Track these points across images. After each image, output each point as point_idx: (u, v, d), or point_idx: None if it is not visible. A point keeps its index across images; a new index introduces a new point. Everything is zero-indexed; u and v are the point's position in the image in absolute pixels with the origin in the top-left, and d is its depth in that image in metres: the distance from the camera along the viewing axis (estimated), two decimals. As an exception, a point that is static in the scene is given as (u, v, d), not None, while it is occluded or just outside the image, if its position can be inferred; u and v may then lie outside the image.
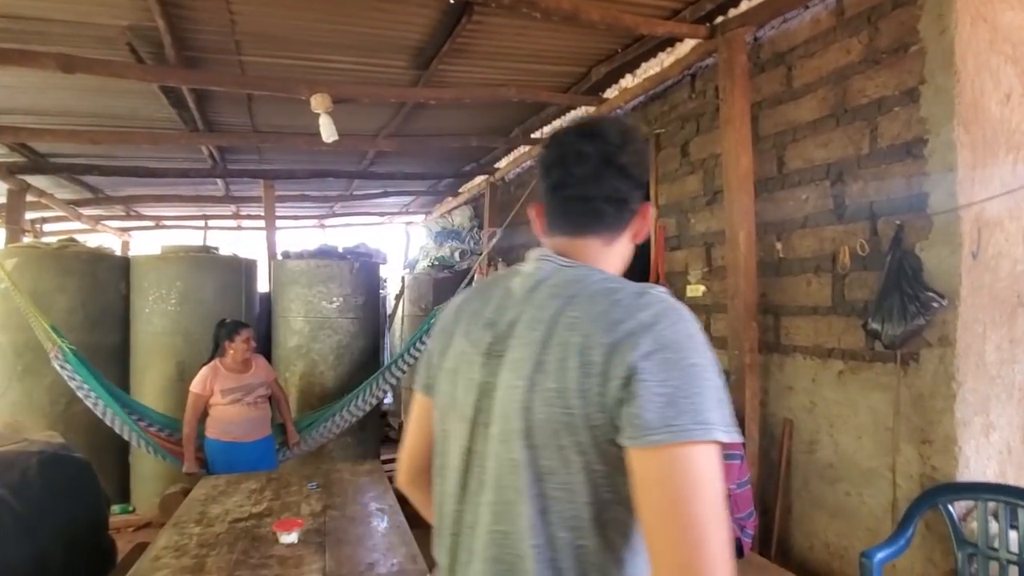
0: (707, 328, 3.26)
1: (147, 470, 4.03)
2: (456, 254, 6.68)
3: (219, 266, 4.27)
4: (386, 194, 6.95)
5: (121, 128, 3.78)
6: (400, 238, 9.12)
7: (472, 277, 6.15)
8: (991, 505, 1.94)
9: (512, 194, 6.15)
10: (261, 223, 8.57)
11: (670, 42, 3.36)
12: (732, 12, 2.81)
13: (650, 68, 3.68)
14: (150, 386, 4.00)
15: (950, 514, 1.98)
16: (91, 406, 3.23)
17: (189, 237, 8.58)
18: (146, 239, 8.77)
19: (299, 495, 2.30)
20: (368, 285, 4.56)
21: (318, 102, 2.98)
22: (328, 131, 3.04)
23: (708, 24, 2.90)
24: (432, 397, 0.86)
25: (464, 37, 2.81)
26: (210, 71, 2.89)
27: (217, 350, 3.29)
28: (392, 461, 5.31)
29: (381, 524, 1.96)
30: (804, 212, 2.69)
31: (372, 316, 4.62)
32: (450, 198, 7.43)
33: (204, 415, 3.27)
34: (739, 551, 2.38)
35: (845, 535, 2.42)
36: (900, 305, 2.17)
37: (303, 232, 9.60)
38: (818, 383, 2.58)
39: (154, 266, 4.13)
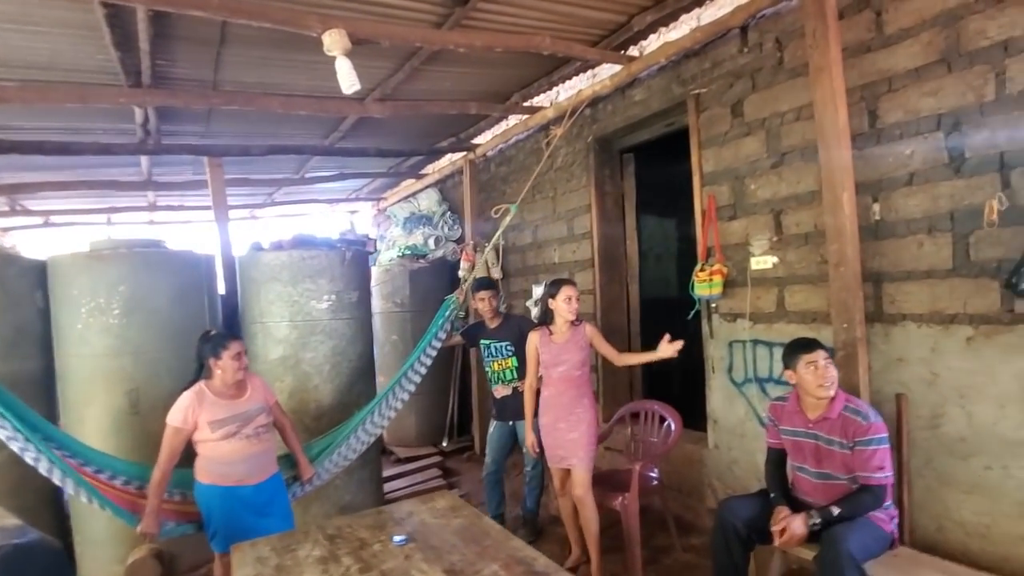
0: (781, 303, 3.01)
1: (97, 532, 3.13)
2: (430, 241, 6.07)
3: (174, 264, 3.39)
4: (342, 176, 6.15)
5: (37, 81, 2.79)
6: (342, 228, 8.21)
7: (459, 264, 5.60)
8: None
9: (492, 172, 5.64)
10: (181, 216, 7.38)
11: (723, -11, 3.04)
12: (821, -53, 2.52)
13: (685, 23, 3.36)
14: (92, 425, 3.09)
15: None
16: (31, 460, 2.36)
17: (86, 235, 7.15)
18: (29, 241, 7.19)
19: (393, 557, 1.71)
20: (361, 279, 3.88)
21: (333, 40, 2.32)
22: (348, 78, 2.39)
23: (790, -38, 2.60)
24: None
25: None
26: (191, -7, 2.12)
27: (202, 371, 2.54)
28: (391, 479, 4.70)
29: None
30: (909, 168, 2.47)
31: (366, 316, 3.94)
32: (412, 180, 6.74)
33: (189, 455, 2.52)
34: (891, 543, 2.15)
35: (986, 512, 2.26)
36: (1060, 261, 1.99)
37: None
38: (939, 352, 2.39)
39: (85, 268, 3.17)
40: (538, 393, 2.92)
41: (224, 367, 2.45)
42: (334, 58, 2.37)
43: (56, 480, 2.43)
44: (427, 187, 6.50)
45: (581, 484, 2.67)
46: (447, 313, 3.65)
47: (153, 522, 2.35)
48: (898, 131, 2.50)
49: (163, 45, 2.64)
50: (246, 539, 2.03)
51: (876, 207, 2.58)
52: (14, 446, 2.34)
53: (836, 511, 2.06)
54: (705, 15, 3.23)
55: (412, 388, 3.45)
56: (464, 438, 5.73)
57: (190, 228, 7.77)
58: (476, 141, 5.48)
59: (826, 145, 2.53)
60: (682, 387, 4.11)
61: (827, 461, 2.21)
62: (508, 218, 4.09)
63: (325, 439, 3.18)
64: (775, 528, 2.11)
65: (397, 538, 1.84)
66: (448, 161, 6.05)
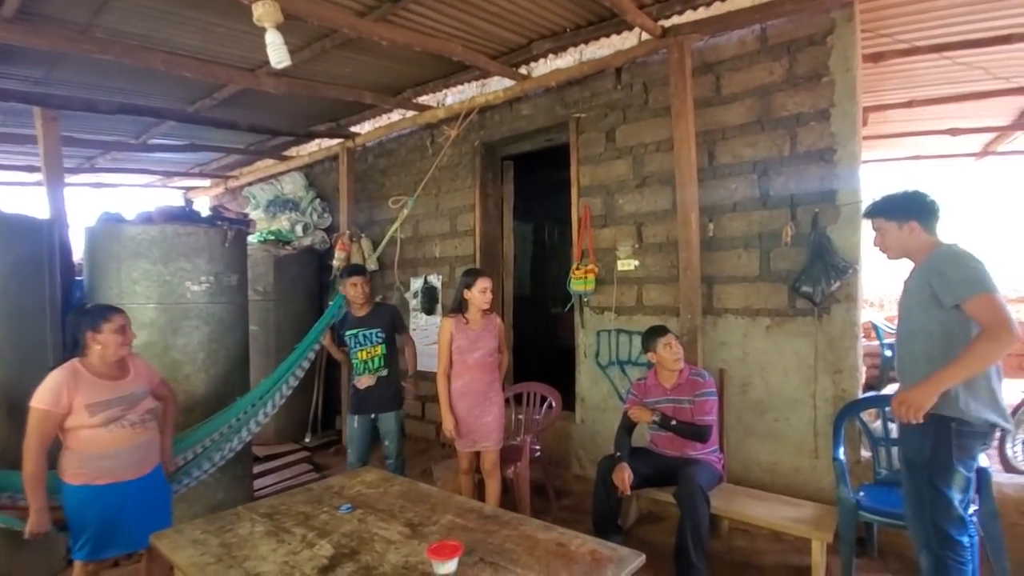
0: (639, 299, 3.67)
1: None
2: (297, 228, 5.79)
3: (8, 230, 2.84)
4: (193, 148, 5.54)
5: None
6: (213, 204, 7.32)
7: (332, 253, 5.44)
8: (888, 410, 2.77)
9: (370, 163, 5.63)
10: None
11: (606, 34, 3.60)
12: (685, 17, 3.20)
13: (571, 54, 3.87)
14: None
15: (863, 420, 2.76)
16: None
17: None
18: None
19: (346, 522, 1.77)
20: (241, 261, 3.64)
21: (266, 11, 2.28)
22: (278, 52, 2.36)
23: (661, 25, 3.24)
24: None
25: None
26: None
27: (76, 348, 2.21)
28: (258, 476, 4.41)
29: (521, 528, 1.72)
30: (734, 199, 3.27)
31: (244, 301, 3.70)
32: (272, 161, 6.34)
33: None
34: (720, 479, 2.85)
35: (775, 453, 3.12)
36: (824, 272, 2.88)
37: (18, 192, 6.87)
38: (749, 337, 3.21)
39: None
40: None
41: (105, 342, 2.17)
42: (264, 29, 2.32)
43: None
44: (291, 170, 6.17)
45: (493, 462, 2.95)
46: (335, 311, 3.59)
47: (44, 519, 2.02)
48: (728, 170, 3.29)
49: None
50: (122, 543, 1.91)
51: (711, 226, 3.34)
52: None
53: (673, 422, 2.72)
54: (588, 51, 3.78)
55: (301, 374, 3.42)
56: (329, 432, 5.60)
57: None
58: (355, 130, 5.42)
59: (681, 174, 3.21)
60: (547, 373, 4.65)
61: (679, 417, 2.84)
62: (407, 210, 4.21)
63: (202, 430, 2.99)
64: (618, 478, 2.63)
65: (344, 507, 1.93)
66: (318, 146, 5.85)
